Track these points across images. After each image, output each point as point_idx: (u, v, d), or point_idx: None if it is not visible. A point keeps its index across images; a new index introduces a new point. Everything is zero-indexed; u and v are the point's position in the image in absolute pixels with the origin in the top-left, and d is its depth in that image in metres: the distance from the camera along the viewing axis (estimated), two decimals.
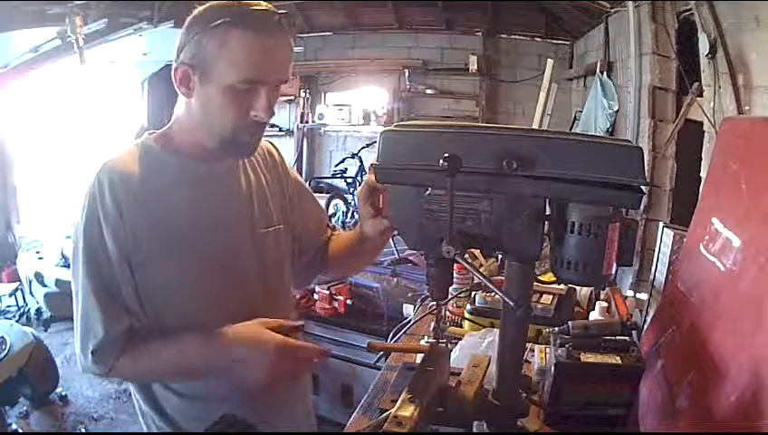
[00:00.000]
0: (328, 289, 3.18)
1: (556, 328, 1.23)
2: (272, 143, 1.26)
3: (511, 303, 0.79)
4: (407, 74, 5.80)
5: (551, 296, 1.69)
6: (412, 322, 1.89)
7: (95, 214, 0.97)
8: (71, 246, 1.02)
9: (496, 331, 1.34)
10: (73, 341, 1.01)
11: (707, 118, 2.02)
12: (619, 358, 1.11)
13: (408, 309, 2.26)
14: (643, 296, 2.06)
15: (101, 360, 0.98)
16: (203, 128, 1.01)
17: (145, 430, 1.15)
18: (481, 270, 1.95)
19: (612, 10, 3.48)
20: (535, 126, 4.04)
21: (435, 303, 1.22)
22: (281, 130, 6.03)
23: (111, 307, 0.98)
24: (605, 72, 3.58)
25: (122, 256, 0.97)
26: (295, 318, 1.31)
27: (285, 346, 0.95)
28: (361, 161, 5.24)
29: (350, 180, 5.29)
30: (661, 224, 1.78)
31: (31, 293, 4.67)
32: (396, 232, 0.98)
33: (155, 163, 1.02)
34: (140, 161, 1.01)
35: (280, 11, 0.95)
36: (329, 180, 5.66)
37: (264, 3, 0.96)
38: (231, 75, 0.93)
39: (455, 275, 1.45)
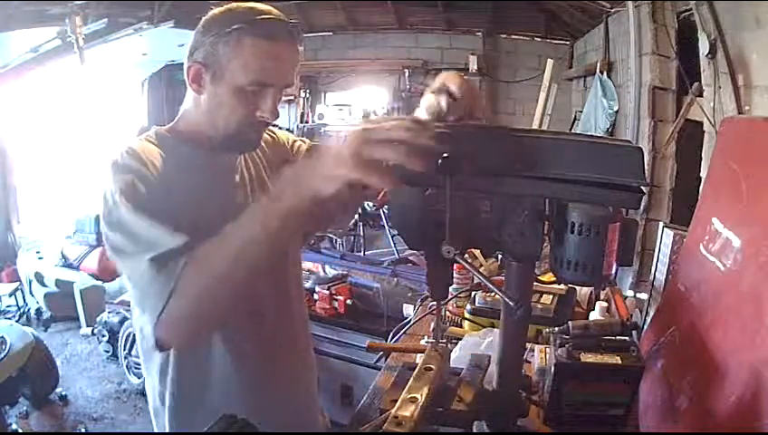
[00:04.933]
0: (328, 289, 3.18)
1: (556, 328, 1.23)
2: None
3: (511, 303, 0.79)
4: (407, 74, 5.81)
5: (551, 296, 1.69)
6: (412, 322, 1.89)
7: (134, 176, 0.95)
8: (105, 211, 0.94)
9: (496, 331, 1.34)
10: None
11: (707, 118, 2.02)
12: (619, 358, 1.11)
13: (408, 309, 2.26)
14: (643, 296, 2.06)
15: (164, 264, 0.86)
16: (209, 123, 1.05)
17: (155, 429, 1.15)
18: (481, 270, 1.96)
19: (612, 10, 3.48)
20: (535, 126, 4.04)
21: (435, 303, 1.22)
22: (280, 129, 6.02)
23: (169, 224, 0.90)
24: (605, 72, 3.59)
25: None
26: (301, 292, 1.31)
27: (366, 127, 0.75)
28: None
29: None
30: (661, 224, 1.78)
31: (31, 293, 4.68)
32: (396, 230, 0.97)
33: (169, 149, 1.05)
34: (157, 147, 1.05)
35: (291, 21, 1.01)
36: None
37: (276, 11, 1.01)
38: (241, 77, 0.98)
39: (455, 275, 1.45)
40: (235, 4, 1.01)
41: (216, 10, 1.01)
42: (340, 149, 0.74)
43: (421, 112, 0.90)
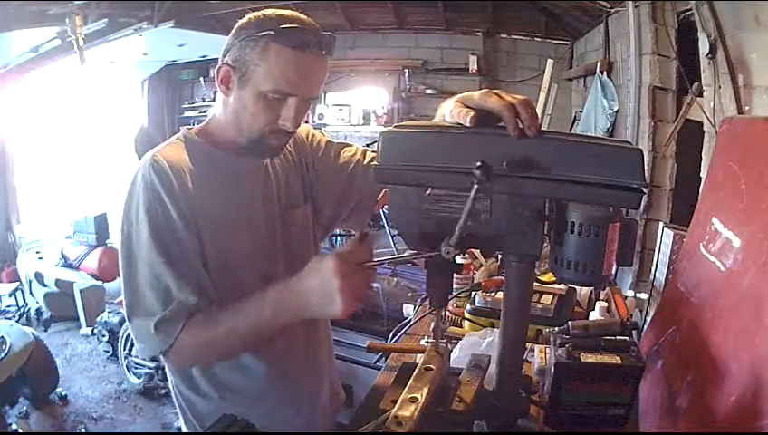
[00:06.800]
0: None
1: (556, 328, 1.23)
2: None
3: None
4: (407, 74, 5.81)
5: (551, 296, 1.69)
6: (412, 322, 1.89)
7: (155, 197, 0.99)
8: (120, 237, 1.01)
9: (496, 331, 1.34)
10: (130, 327, 1.02)
11: (707, 118, 2.02)
12: (619, 358, 1.11)
13: (408, 309, 2.26)
14: (643, 296, 2.06)
15: (166, 330, 0.96)
16: (234, 126, 1.07)
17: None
18: (481, 270, 1.96)
19: (612, 10, 3.48)
20: None
21: None
22: None
23: (186, 278, 0.99)
24: (605, 72, 3.59)
25: (191, 230, 1.01)
26: None
27: (342, 254, 0.88)
28: None
29: None
30: (661, 224, 1.79)
31: (31, 293, 4.68)
32: (396, 230, 0.98)
33: (198, 154, 1.08)
34: (187, 152, 1.07)
35: (322, 32, 1.02)
36: None
37: (308, 21, 1.02)
38: (265, 84, 1.00)
39: (454, 275, 1.44)
40: (269, 11, 1.02)
41: (251, 14, 1.03)
42: (329, 291, 0.86)
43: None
